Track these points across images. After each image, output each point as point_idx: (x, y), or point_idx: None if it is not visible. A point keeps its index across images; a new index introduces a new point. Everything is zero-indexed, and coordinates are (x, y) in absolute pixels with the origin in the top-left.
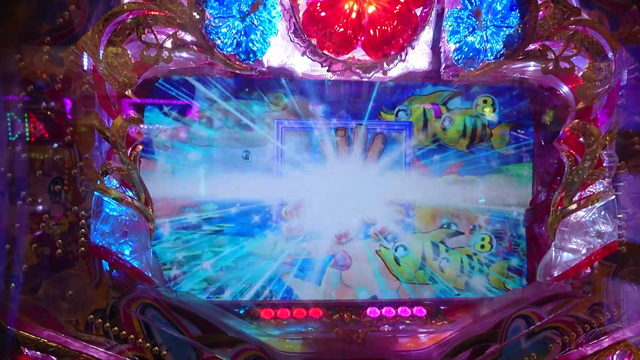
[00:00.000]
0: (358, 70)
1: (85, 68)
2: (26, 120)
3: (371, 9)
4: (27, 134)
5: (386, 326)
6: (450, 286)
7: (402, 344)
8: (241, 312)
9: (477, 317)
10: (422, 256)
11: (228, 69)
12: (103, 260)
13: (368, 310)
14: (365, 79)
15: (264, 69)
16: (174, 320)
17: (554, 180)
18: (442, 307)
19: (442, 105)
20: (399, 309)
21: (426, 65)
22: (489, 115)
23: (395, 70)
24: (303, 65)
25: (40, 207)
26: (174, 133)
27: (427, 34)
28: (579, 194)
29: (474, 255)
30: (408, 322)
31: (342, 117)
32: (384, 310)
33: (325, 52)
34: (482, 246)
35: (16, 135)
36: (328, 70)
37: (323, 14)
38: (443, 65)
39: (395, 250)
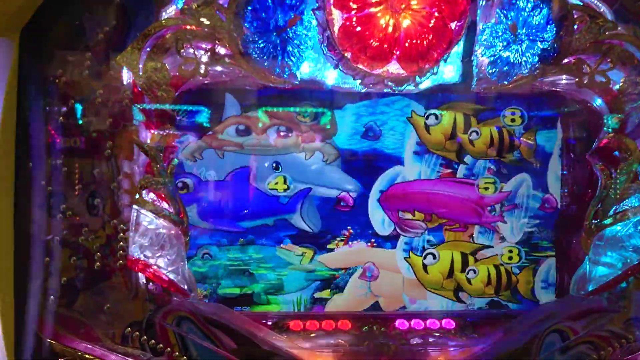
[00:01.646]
0: (390, 83)
1: (124, 83)
2: (66, 133)
3: (406, 22)
4: (67, 148)
5: (416, 339)
6: (478, 297)
7: (433, 358)
8: (270, 324)
9: (508, 331)
10: (451, 265)
11: (262, 82)
12: (139, 273)
13: (397, 322)
14: (397, 92)
15: (296, 82)
16: (209, 332)
17: (584, 193)
18: (469, 320)
19: (472, 116)
20: (428, 321)
21: (456, 77)
22: (517, 127)
23: (426, 82)
24: (334, 77)
25: (78, 220)
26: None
27: (457, 47)
28: (614, 207)
29: (502, 266)
30: (437, 334)
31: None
32: (412, 322)
33: (360, 65)
34: (511, 257)
35: (56, 149)
36: (360, 84)
37: (359, 28)
38: (475, 79)
39: (425, 258)
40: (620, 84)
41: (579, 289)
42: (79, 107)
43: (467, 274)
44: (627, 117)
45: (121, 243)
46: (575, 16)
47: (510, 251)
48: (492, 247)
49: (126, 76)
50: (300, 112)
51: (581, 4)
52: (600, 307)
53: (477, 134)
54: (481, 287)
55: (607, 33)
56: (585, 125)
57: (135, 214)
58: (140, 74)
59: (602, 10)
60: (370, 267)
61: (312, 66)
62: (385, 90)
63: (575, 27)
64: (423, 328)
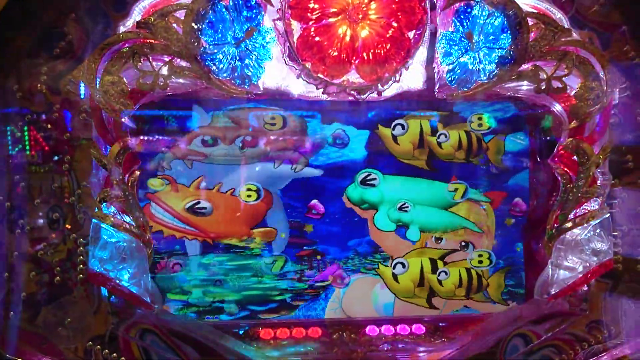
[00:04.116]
0: (353, 92)
1: (82, 97)
2: (26, 147)
3: (364, 33)
4: (25, 162)
5: (385, 345)
6: (449, 302)
7: None
8: (241, 332)
9: (476, 335)
10: (421, 272)
11: (224, 93)
12: (102, 287)
13: (367, 328)
14: (360, 100)
15: (259, 92)
16: (173, 344)
17: (549, 197)
18: (441, 324)
19: (438, 122)
20: (398, 327)
21: (420, 84)
22: (484, 131)
23: (390, 90)
24: (299, 86)
25: (38, 235)
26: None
27: (421, 54)
28: (574, 212)
29: (472, 270)
30: (407, 340)
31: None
32: (383, 328)
33: (320, 75)
34: (481, 261)
35: (14, 163)
36: (323, 93)
37: (317, 38)
38: (437, 85)
39: (394, 268)
40: (577, 90)
41: (542, 293)
42: (37, 121)
43: (439, 275)
44: (584, 122)
45: (81, 257)
46: (530, 23)
47: (480, 255)
48: (460, 250)
49: (83, 90)
50: (268, 121)
51: (536, 11)
52: (563, 310)
53: (446, 136)
54: (452, 289)
55: (562, 39)
56: (549, 129)
57: (94, 228)
58: (97, 87)
59: (557, 17)
60: (341, 274)
61: (277, 76)
62: (349, 99)
63: (531, 34)
64: (393, 334)
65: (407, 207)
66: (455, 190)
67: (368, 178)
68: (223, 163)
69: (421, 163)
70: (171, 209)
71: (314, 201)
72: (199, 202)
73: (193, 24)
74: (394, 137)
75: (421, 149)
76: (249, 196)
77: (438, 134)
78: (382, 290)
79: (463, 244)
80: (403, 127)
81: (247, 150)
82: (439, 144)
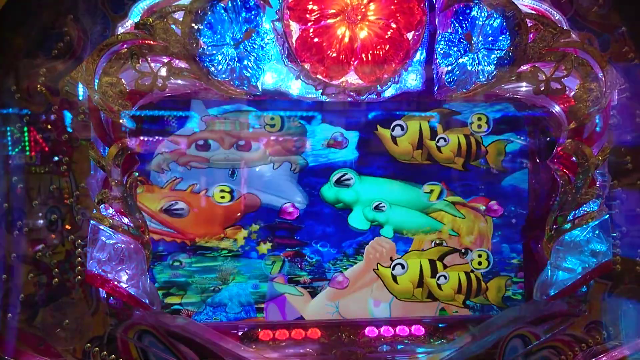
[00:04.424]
0: (352, 93)
1: (80, 97)
2: (26, 148)
3: (363, 34)
4: (24, 163)
5: (384, 346)
6: (448, 304)
7: None
8: (239, 333)
9: (475, 336)
10: (420, 274)
11: (223, 94)
12: (100, 288)
13: (366, 329)
14: (359, 101)
15: (258, 93)
16: (171, 346)
17: (549, 198)
18: (440, 325)
19: (438, 123)
20: (397, 328)
21: (419, 85)
22: (483, 132)
23: (389, 91)
24: (298, 87)
25: (36, 237)
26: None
27: (419, 55)
28: (573, 213)
29: (472, 272)
30: (406, 341)
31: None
32: (382, 329)
33: (319, 76)
34: (480, 263)
35: (13, 164)
36: (322, 94)
37: (316, 39)
38: (436, 86)
39: (393, 269)
40: (576, 91)
41: (541, 294)
42: (35, 122)
43: (438, 279)
44: (583, 123)
45: (79, 258)
46: (529, 24)
47: (480, 256)
48: (459, 250)
49: (82, 91)
50: (268, 122)
51: (535, 12)
52: (562, 311)
53: (445, 140)
54: (451, 293)
55: (561, 41)
56: (549, 130)
57: (92, 229)
58: (96, 89)
59: (556, 18)
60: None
61: (276, 77)
62: (348, 100)
63: (530, 35)
64: (392, 335)
65: (383, 206)
66: (431, 191)
67: (343, 178)
68: (222, 167)
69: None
70: (148, 210)
71: (287, 203)
72: (176, 203)
73: (192, 25)
74: (393, 138)
75: (420, 149)
76: (222, 197)
77: (438, 137)
78: (377, 308)
79: (463, 250)
80: (402, 128)
81: (246, 153)
82: (438, 148)
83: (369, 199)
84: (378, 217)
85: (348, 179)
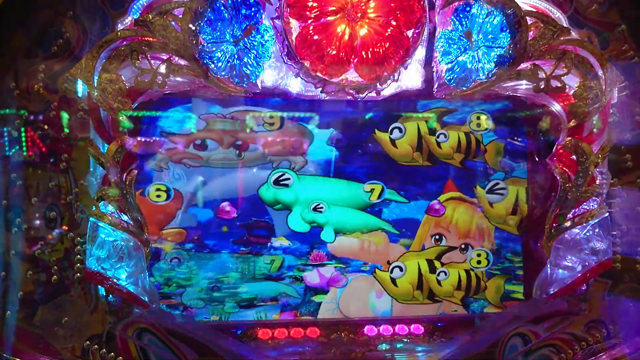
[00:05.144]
0: (351, 91)
1: (79, 94)
2: (23, 146)
3: (363, 31)
4: (23, 160)
5: (384, 345)
6: (447, 303)
7: None
8: (239, 332)
9: (474, 335)
10: (419, 274)
11: (222, 92)
12: (99, 286)
13: (365, 328)
14: (359, 99)
15: (258, 91)
16: (171, 344)
17: (548, 196)
18: (439, 324)
19: (437, 122)
20: (397, 327)
21: (419, 84)
22: (483, 131)
23: (388, 89)
24: (297, 85)
25: (35, 234)
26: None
27: (419, 53)
28: (572, 211)
29: (471, 271)
30: (406, 340)
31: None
32: (381, 328)
33: (319, 74)
34: (479, 262)
35: (12, 162)
36: (322, 92)
37: (316, 37)
38: (436, 85)
39: (391, 272)
40: (576, 89)
41: (541, 292)
42: (34, 120)
43: (438, 275)
44: (583, 121)
45: (78, 256)
46: (529, 22)
47: (479, 255)
48: (455, 248)
49: (81, 88)
50: (267, 121)
51: (535, 10)
52: (562, 310)
53: (445, 136)
54: (451, 290)
55: (561, 39)
56: (548, 129)
57: (92, 226)
58: (95, 86)
59: (556, 16)
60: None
61: (275, 75)
62: (347, 98)
63: (530, 33)
64: (391, 334)
65: (321, 207)
66: (372, 190)
67: (281, 178)
68: (221, 166)
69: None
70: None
71: (224, 203)
72: None
73: (191, 22)
74: (392, 141)
75: (419, 151)
76: (158, 196)
77: (438, 133)
78: (379, 300)
79: (462, 246)
80: (400, 130)
81: (245, 153)
82: (438, 143)
83: (307, 200)
84: (317, 219)
85: (286, 179)
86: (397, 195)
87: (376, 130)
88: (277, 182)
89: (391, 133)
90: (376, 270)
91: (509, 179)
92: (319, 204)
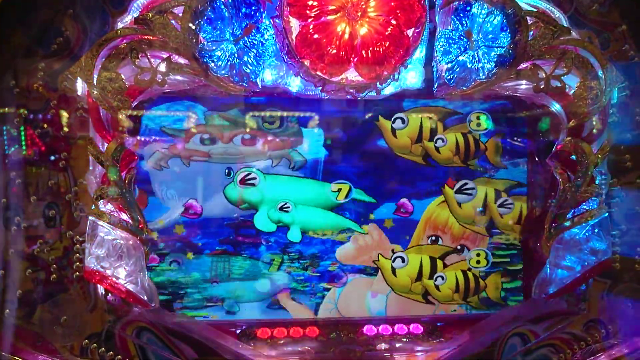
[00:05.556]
0: (352, 90)
1: (79, 93)
2: (23, 145)
3: (363, 30)
4: (22, 159)
5: (383, 344)
6: (447, 301)
7: None
8: (238, 331)
9: (473, 334)
10: (420, 269)
11: (222, 90)
12: (98, 285)
13: (365, 328)
14: (359, 98)
15: (257, 90)
16: (170, 343)
17: (547, 196)
18: (439, 324)
19: (438, 122)
20: (396, 327)
21: (419, 83)
22: (483, 131)
23: (389, 88)
24: (297, 84)
25: (34, 232)
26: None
27: (419, 52)
28: (572, 211)
29: (469, 271)
30: (405, 340)
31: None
32: (380, 327)
33: (319, 73)
34: (478, 262)
35: (11, 160)
36: (322, 91)
37: (316, 36)
38: (436, 84)
39: (393, 261)
40: (575, 89)
41: (540, 292)
42: (33, 118)
43: (436, 280)
44: (583, 121)
45: (78, 254)
46: (529, 22)
47: (478, 254)
48: (460, 249)
49: (81, 86)
50: (267, 119)
51: (535, 10)
52: (561, 309)
53: (443, 141)
54: (449, 293)
55: (561, 38)
56: (549, 129)
57: (91, 225)
58: (95, 84)
59: (556, 16)
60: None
61: (275, 74)
62: (347, 97)
63: (530, 33)
64: (391, 333)
65: (288, 207)
66: (339, 190)
67: (248, 177)
68: (221, 162)
69: (418, 158)
70: None
71: (191, 200)
72: None
73: (191, 21)
74: (393, 130)
75: (418, 144)
76: None
77: (435, 138)
78: (373, 299)
79: (458, 247)
80: (403, 121)
81: (245, 149)
82: (437, 148)
83: (274, 199)
84: (283, 218)
85: (253, 179)
86: (364, 195)
87: (380, 117)
88: (243, 182)
89: (394, 122)
90: (379, 257)
91: (480, 179)
92: (285, 204)
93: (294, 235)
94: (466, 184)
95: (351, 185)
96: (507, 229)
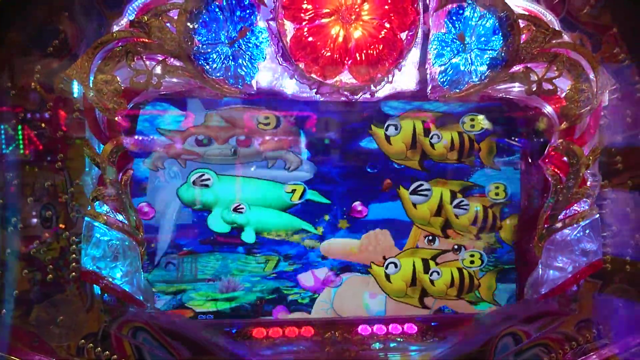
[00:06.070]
0: (346, 92)
1: (75, 95)
2: (20, 146)
3: (357, 33)
4: (19, 160)
5: (377, 344)
6: (441, 301)
7: None
8: (233, 331)
9: (467, 334)
10: (413, 272)
11: (217, 92)
12: (94, 285)
13: (359, 327)
14: (353, 100)
15: (253, 92)
16: (165, 342)
17: (540, 197)
18: (433, 324)
19: (431, 122)
20: (390, 326)
21: (413, 85)
22: (476, 132)
23: (383, 91)
24: (292, 86)
25: (31, 233)
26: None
27: (413, 55)
28: (564, 212)
29: (464, 270)
30: (399, 339)
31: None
32: (375, 327)
33: (313, 75)
34: (472, 262)
35: (7, 161)
36: (316, 93)
37: (310, 39)
38: (429, 87)
39: (386, 268)
40: (567, 91)
41: (533, 293)
42: (30, 119)
43: (431, 275)
44: (575, 124)
45: (74, 255)
46: (521, 25)
47: (472, 255)
48: (449, 250)
49: (77, 88)
50: (262, 120)
51: (527, 13)
52: (553, 310)
53: (439, 137)
54: (444, 288)
55: (553, 42)
56: (541, 130)
57: (87, 226)
58: (91, 86)
59: (548, 19)
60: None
61: (271, 76)
62: (342, 99)
63: (522, 36)
64: (385, 333)
65: (242, 208)
66: (293, 191)
67: (201, 178)
68: (217, 163)
69: (414, 164)
70: None
71: (142, 203)
72: None
73: (187, 24)
74: (387, 137)
75: (414, 149)
76: None
77: (431, 134)
78: (372, 300)
79: (455, 247)
80: (396, 127)
81: (241, 150)
82: (432, 144)
83: (228, 200)
84: (237, 219)
85: (206, 180)
86: (319, 196)
87: (372, 126)
88: (196, 183)
89: (387, 130)
90: (372, 264)
91: (433, 180)
92: (239, 205)
93: (248, 236)
94: (421, 185)
95: (305, 187)
96: (464, 230)
